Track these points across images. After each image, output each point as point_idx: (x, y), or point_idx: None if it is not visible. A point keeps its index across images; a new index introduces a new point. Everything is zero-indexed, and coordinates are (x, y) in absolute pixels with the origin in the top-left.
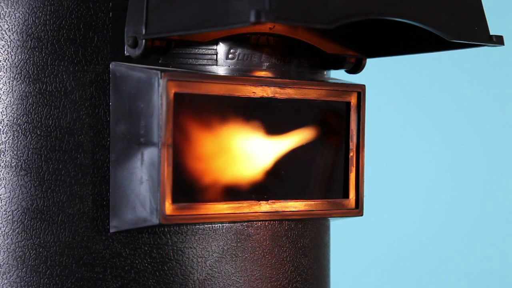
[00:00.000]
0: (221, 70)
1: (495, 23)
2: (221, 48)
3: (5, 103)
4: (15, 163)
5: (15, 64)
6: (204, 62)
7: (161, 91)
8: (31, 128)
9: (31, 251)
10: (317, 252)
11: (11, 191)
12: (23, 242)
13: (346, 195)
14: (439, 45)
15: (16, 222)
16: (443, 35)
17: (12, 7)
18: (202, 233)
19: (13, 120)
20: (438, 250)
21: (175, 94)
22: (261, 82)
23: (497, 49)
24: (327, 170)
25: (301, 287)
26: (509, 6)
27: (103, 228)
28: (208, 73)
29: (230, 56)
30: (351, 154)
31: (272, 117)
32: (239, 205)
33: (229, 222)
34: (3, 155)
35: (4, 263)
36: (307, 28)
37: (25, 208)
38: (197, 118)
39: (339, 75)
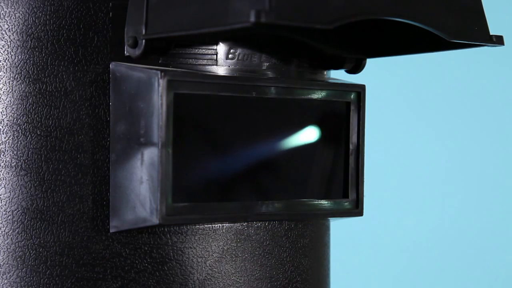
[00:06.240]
0: (221, 70)
1: (495, 23)
2: (221, 48)
3: (5, 103)
4: (15, 163)
5: (15, 64)
6: (204, 62)
7: (161, 91)
8: (31, 128)
9: (31, 251)
10: (317, 252)
11: (11, 191)
12: (23, 242)
13: (346, 195)
14: (439, 45)
15: (16, 222)
16: (443, 35)
17: (12, 7)
18: (202, 233)
19: (13, 120)
20: (438, 250)
21: (175, 94)
22: (261, 82)
23: (497, 49)
24: (327, 170)
25: (301, 287)
26: (509, 6)
27: (103, 228)
28: (208, 73)
29: (230, 56)
30: (351, 154)
31: (272, 117)
32: (239, 205)
33: (229, 222)
34: (3, 155)
35: (4, 263)
36: (307, 28)
37: (25, 208)
38: (197, 118)
39: (339, 75)
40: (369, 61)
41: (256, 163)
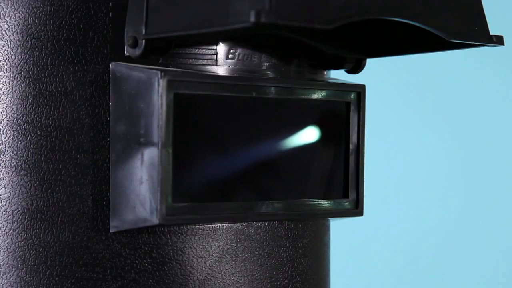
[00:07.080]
0: (221, 70)
1: (495, 23)
2: (221, 48)
3: (5, 103)
4: (15, 163)
5: (15, 64)
6: (204, 62)
7: (161, 91)
8: (31, 128)
9: (31, 251)
10: (317, 252)
11: (11, 191)
12: (23, 242)
13: (346, 195)
14: (439, 45)
15: (16, 222)
16: (443, 35)
17: (12, 7)
18: (202, 233)
19: (13, 120)
20: (438, 250)
21: (175, 94)
22: (261, 82)
23: (497, 49)
24: (327, 170)
25: (301, 287)
26: (509, 6)
27: (103, 228)
28: (208, 73)
29: (230, 56)
30: (351, 154)
31: (272, 117)
32: (239, 205)
33: (229, 222)
34: (3, 155)
35: (4, 263)
36: (307, 28)
37: (25, 208)
38: (197, 118)
39: (339, 75)
40: (369, 61)
41: (256, 163)
